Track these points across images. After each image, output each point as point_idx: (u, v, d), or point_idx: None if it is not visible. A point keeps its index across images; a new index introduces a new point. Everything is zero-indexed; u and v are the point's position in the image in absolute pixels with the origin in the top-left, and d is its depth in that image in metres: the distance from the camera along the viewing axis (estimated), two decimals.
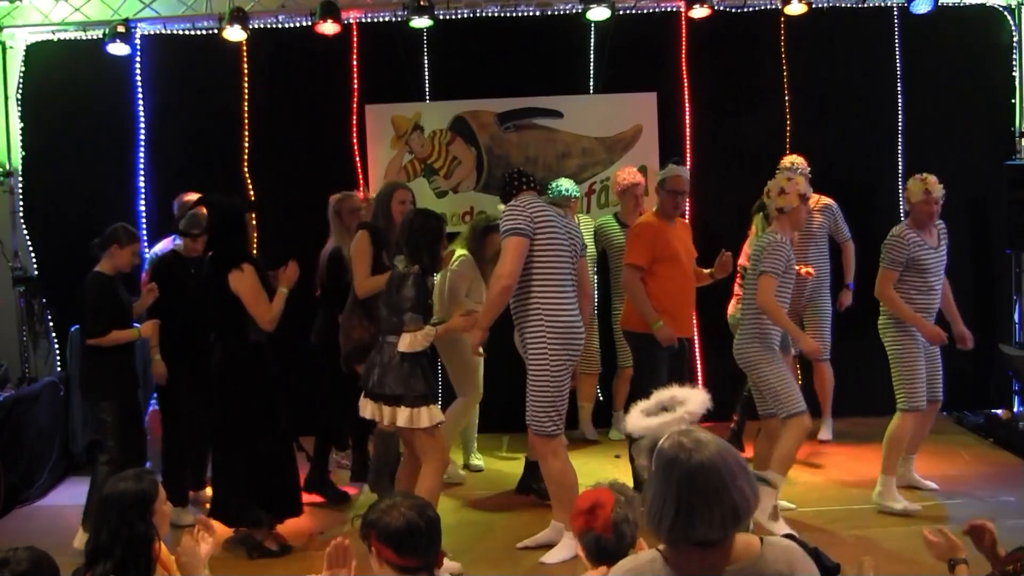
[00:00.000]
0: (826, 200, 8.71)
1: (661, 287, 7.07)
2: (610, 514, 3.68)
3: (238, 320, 6.54)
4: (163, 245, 8.12)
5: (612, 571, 3.13)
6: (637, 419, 3.85)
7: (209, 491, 7.16)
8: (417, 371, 6.18)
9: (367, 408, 6.33)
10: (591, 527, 3.68)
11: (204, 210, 6.89)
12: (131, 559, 3.96)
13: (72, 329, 8.72)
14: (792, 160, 8.59)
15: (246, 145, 9.54)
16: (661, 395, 3.93)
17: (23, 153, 9.52)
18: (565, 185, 8.49)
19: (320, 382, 7.92)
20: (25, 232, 9.39)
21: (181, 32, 9.49)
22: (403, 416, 6.17)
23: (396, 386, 6.17)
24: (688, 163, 9.56)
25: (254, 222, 8.19)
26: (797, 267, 7.30)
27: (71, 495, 8.00)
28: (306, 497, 7.18)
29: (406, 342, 6.12)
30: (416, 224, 6.34)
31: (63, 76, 9.46)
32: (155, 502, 4.09)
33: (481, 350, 6.86)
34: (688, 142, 9.64)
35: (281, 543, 6.69)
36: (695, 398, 3.87)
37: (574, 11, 9.35)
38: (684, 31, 9.58)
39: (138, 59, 9.44)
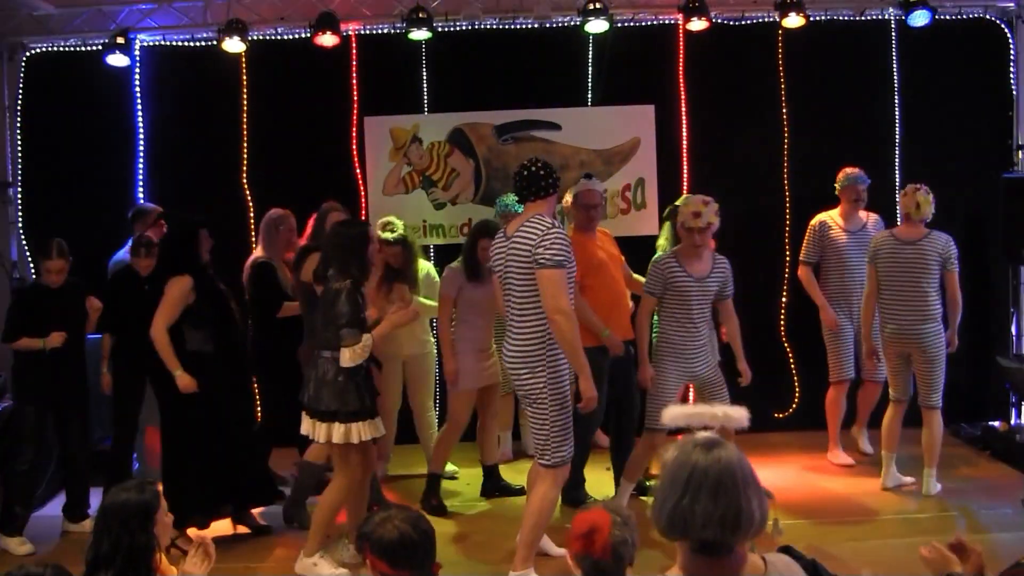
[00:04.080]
0: (875, 216, 8.73)
1: (596, 298, 7.16)
2: (608, 537, 3.66)
3: (177, 330, 6.78)
4: (124, 252, 8.26)
5: None
6: (674, 410, 3.83)
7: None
8: (351, 386, 6.18)
9: (304, 424, 6.36)
10: (589, 551, 3.65)
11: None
12: (131, 569, 3.95)
13: None
14: (849, 170, 8.59)
15: (245, 157, 9.56)
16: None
17: (22, 163, 9.54)
18: (507, 200, 8.38)
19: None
20: (24, 242, 9.39)
21: (180, 44, 9.52)
22: (338, 432, 6.17)
23: (331, 401, 6.18)
24: (686, 175, 9.61)
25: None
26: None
27: None
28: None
29: (347, 357, 6.11)
30: (340, 236, 6.36)
31: (63, 87, 9.49)
32: (156, 512, 4.10)
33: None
34: (686, 154, 9.65)
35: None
36: (737, 412, 3.88)
37: (572, 24, 9.36)
38: (682, 44, 9.60)
39: (137, 70, 9.47)
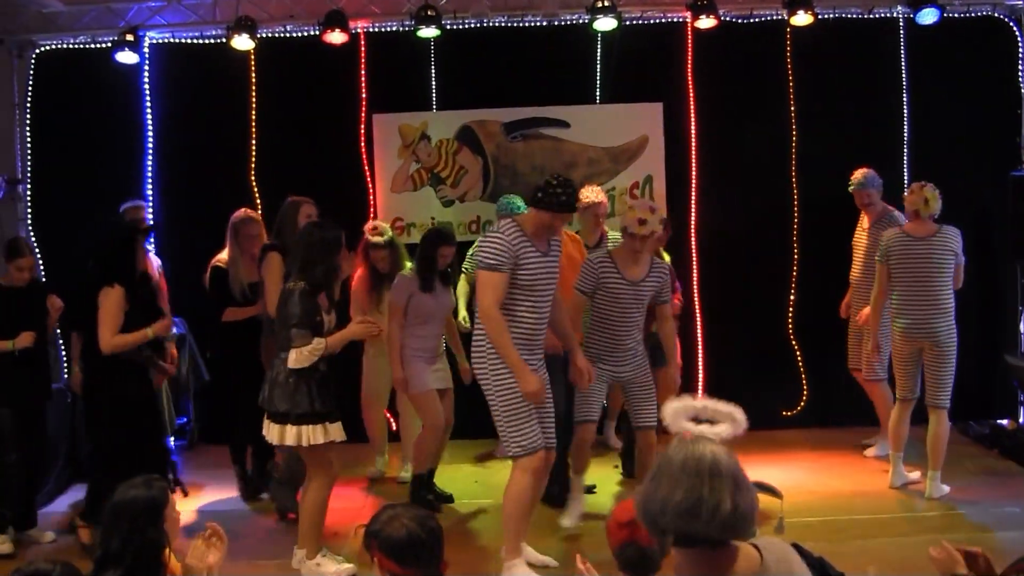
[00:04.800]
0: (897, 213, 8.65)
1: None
2: None
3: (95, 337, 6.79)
4: None
5: None
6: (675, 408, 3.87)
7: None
8: (303, 388, 6.10)
9: (264, 424, 6.33)
10: (635, 538, 3.68)
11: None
12: (141, 566, 3.96)
13: None
14: (856, 174, 8.56)
15: (254, 154, 9.58)
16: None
17: (32, 161, 9.57)
18: (518, 202, 8.39)
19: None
20: (33, 240, 9.40)
21: (189, 41, 9.54)
22: (291, 434, 6.13)
23: (281, 403, 6.14)
24: (694, 172, 9.62)
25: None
26: None
27: (77, 501, 8.03)
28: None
29: (292, 358, 6.07)
30: (314, 236, 6.27)
31: (72, 85, 9.51)
32: (165, 508, 4.11)
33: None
34: (694, 152, 9.65)
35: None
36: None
37: (581, 21, 9.37)
38: (690, 42, 9.59)
39: (146, 68, 9.51)
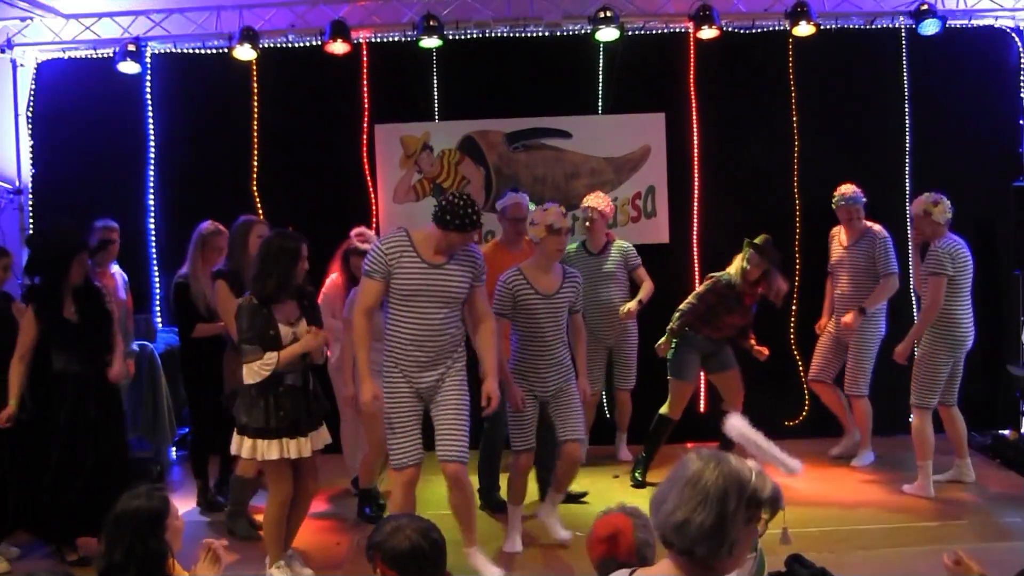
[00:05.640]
0: (878, 227, 8.73)
1: None
2: (632, 540, 3.68)
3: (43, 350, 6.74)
4: None
5: None
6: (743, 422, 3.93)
7: None
8: (261, 403, 6.03)
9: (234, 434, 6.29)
10: (614, 554, 3.66)
11: None
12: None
13: None
14: (844, 190, 8.66)
15: (256, 164, 9.59)
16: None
17: (33, 171, 9.60)
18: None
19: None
20: None
21: (191, 51, 9.55)
22: (246, 446, 6.09)
23: (240, 414, 6.12)
24: (696, 183, 9.62)
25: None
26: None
27: None
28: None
29: (244, 373, 6.01)
30: (273, 246, 6.11)
31: (73, 94, 9.54)
32: (167, 518, 4.12)
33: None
34: (696, 162, 9.66)
35: (82, 556, 6.82)
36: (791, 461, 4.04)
37: (583, 32, 9.39)
38: (692, 52, 9.61)
39: (148, 78, 9.52)
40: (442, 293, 6.04)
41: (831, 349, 8.87)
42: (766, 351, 8.25)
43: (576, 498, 7.81)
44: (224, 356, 7.52)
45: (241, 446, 6.12)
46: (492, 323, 6.34)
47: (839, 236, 8.85)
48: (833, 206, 8.73)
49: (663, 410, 8.28)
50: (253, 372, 5.96)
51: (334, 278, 7.84)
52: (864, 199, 8.64)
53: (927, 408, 7.80)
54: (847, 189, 8.65)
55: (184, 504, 8.02)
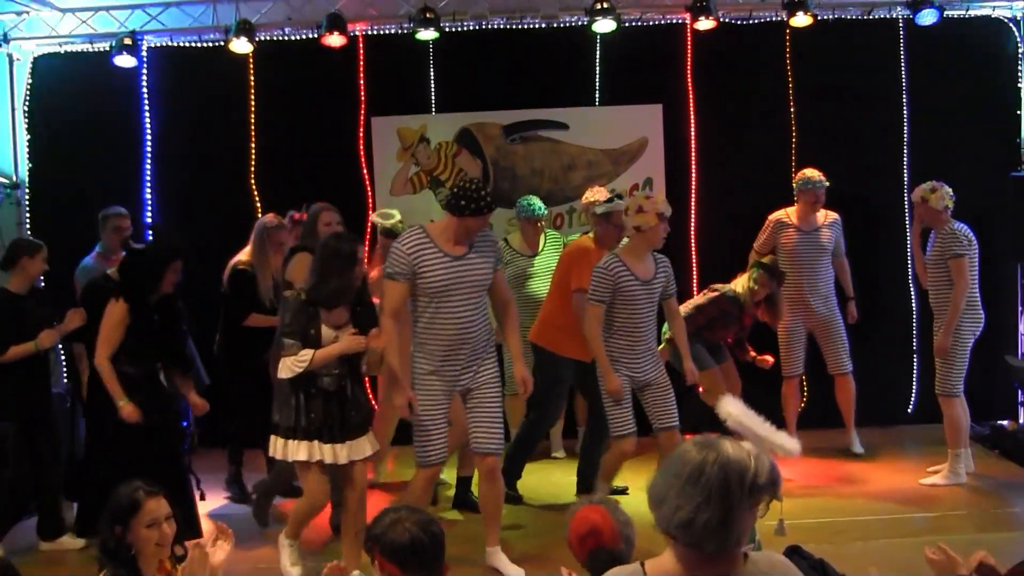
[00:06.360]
0: (833, 215, 8.72)
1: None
2: (614, 524, 3.68)
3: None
4: (91, 258, 8.23)
5: None
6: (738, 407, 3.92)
7: None
8: (291, 401, 5.94)
9: None
10: (601, 543, 3.66)
11: None
12: (121, 565, 4.09)
13: None
14: (809, 174, 8.58)
15: (253, 157, 9.58)
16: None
17: (30, 165, 9.58)
18: (536, 203, 8.51)
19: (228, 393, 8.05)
20: None
21: (188, 44, 9.53)
22: (278, 446, 6.01)
23: (275, 411, 6.07)
24: (693, 175, 9.61)
25: None
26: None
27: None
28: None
29: (281, 367, 5.91)
30: (328, 250, 6.02)
31: (70, 88, 9.52)
32: (138, 512, 4.11)
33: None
34: (694, 154, 9.65)
35: None
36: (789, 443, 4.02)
37: (580, 23, 9.36)
38: (690, 43, 9.59)
39: (145, 71, 9.51)
40: (471, 284, 6.06)
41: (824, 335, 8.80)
42: (770, 359, 8.28)
43: (618, 493, 7.73)
44: (271, 353, 7.50)
45: (275, 446, 6.03)
46: (515, 307, 6.45)
47: (789, 220, 8.74)
48: (797, 189, 8.66)
49: (711, 402, 8.22)
50: (287, 367, 5.87)
51: (376, 273, 7.86)
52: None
53: (955, 396, 7.82)
54: (813, 173, 8.60)
55: (209, 498, 8.06)
